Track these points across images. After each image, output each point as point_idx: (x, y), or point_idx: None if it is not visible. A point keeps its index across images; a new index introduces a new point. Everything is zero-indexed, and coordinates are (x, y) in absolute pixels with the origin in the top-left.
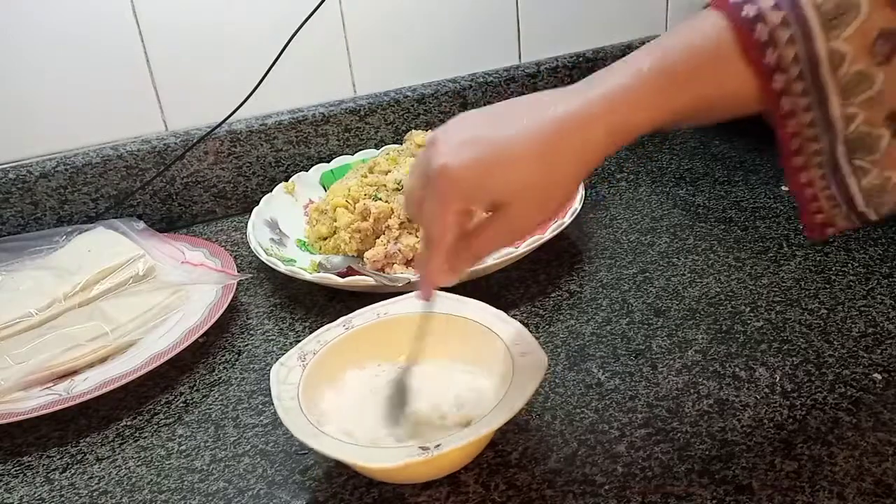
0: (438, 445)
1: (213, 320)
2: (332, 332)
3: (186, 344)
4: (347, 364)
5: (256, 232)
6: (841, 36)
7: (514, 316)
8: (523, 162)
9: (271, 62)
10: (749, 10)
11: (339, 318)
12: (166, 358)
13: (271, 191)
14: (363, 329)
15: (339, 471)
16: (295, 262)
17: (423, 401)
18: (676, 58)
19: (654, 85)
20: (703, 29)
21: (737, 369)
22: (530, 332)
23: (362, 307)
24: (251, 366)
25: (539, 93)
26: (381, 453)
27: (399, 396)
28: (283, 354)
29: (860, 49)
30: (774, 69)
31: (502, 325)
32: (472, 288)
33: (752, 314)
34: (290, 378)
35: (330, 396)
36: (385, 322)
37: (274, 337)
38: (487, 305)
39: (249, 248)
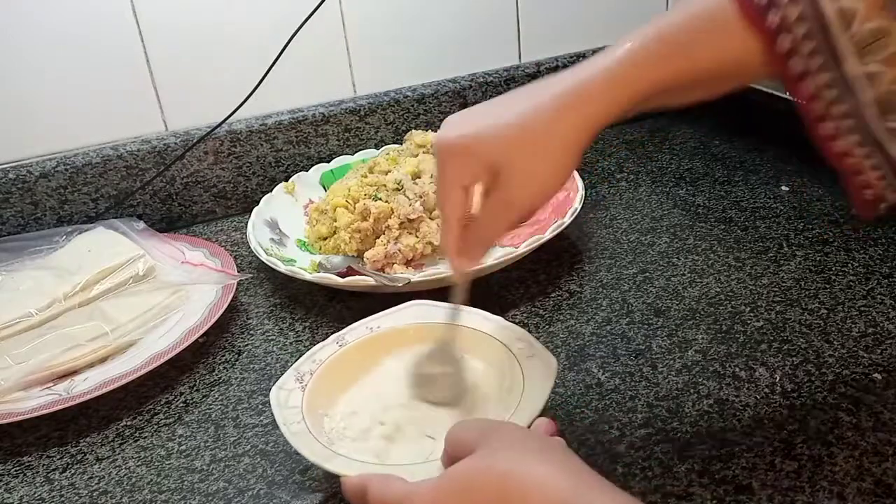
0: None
1: (213, 320)
2: (326, 351)
3: (186, 344)
4: (347, 382)
5: (256, 232)
6: None
7: (514, 316)
8: (515, 121)
9: (271, 62)
10: None
11: (338, 318)
12: (166, 358)
13: (271, 191)
14: (357, 345)
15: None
16: (295, 262)
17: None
18: (677, 26)
19: (655, 50)
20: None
21: (737, 369)
22: (530, 332)
23: (362, 307)
24: (251, 366)
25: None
26: (400, 471)
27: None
28: (283, 354)
29: (872, 5)
30: (779, 30)
31: (504, 332)
32: (473, 288)
33: (752, 314)
34: (290, 401)
35: (335, 413)
36: (378, 336)
37: (274, 337)
38: (487, 313)
39: (249, 248)
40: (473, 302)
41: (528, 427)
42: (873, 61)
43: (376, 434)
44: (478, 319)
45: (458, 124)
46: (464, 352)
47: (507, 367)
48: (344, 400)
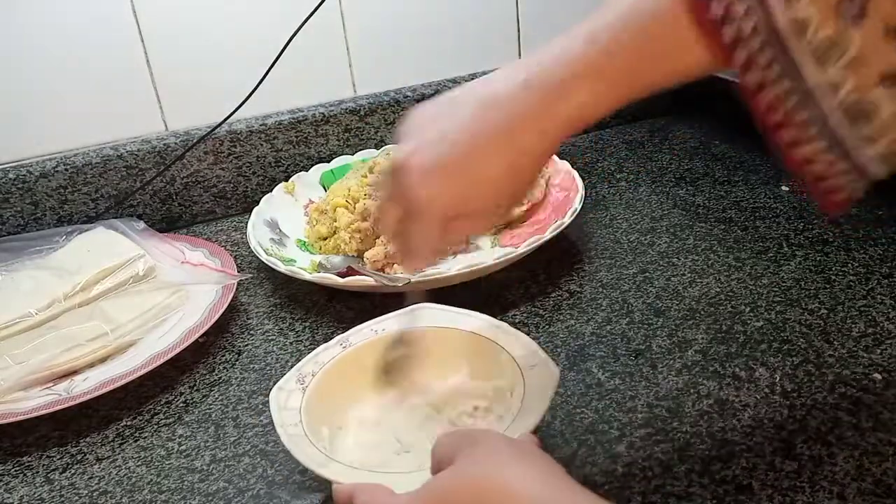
0: None
1: (213, 320)
2: (329, 352)
3: (186, 344)
4: (349, 385)
5: (256, 232)
6: (801, 1)
7: (514, 316)
8: (493, 178)
9: (271, 62)
10: None
11: (338, 318)
12: (166, 358)
13: (271, 191)
14: (362, 347)
15: None
16: (295, 262)
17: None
18: (626, 43)
19: (605, 75)
20: (651, 9)
21: (737, 369)
22: (530, 332)
23: (362, 307)
24: (251, 366)
25: (484, 81)
26: (394, 480)
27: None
28: (283, 354)
29: (825, 11)
30: (733, 43)
31: (507, 337)
32: (473, 288)
33: (752, 314)
34: (290, 403)
35: (334, 416)
36: (383, 339)
37: (274, 337)
38: (490, 317)
39: (249, 248)
40: (475, 303)
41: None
42: (833, 68)
43: (387, 449)
44: (478, 323)
45: (432, 179)
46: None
47: (509, 374)
48: (346, 403)
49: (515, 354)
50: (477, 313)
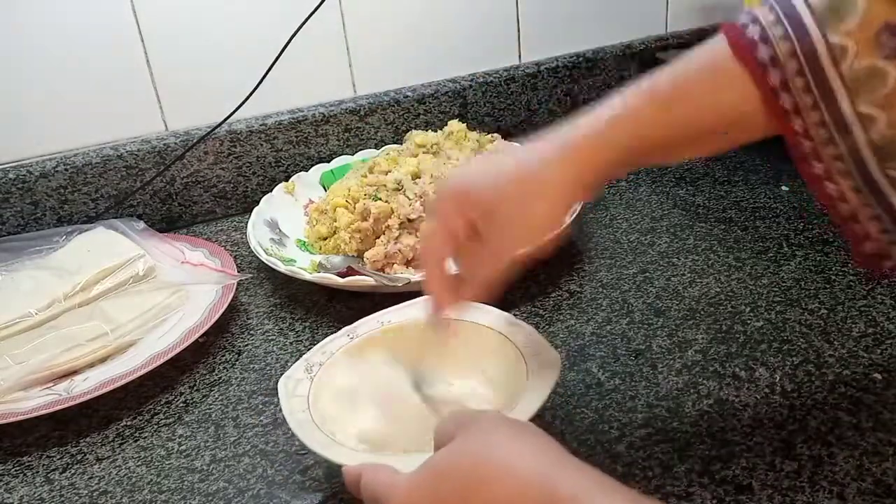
0: None
1: (213, 320)
2: (336, 343)
3: (186, 344)
4: (356, 373)
5: (256, 232)
6: (840, 30)
7: (514, 316)
8: (510, 170)
9: (271, 62)
10: (743, 18)
11: (338, 318)
12: (166, 358)
13: (271, 191)
14: (368, 338)
15: (339, 471)
16: (295, 262)
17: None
18: (671, 79)
19: (647, 108)
20: (701, 48)
21: (737, 369)
22: None
23: (362, 307)
24: (251, 366)
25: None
26: (399, 460)
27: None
28: (283, 354)
29: (864, 43)
30: (769, 64)
31: (511, 328)
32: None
33: (752, 314)
34: (298, 390)
35: (341, 405)
36: (389, 330)
37: (274, 337)
38: (494, 308)
39: (249, 248)
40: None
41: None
42: (866, 102)
43: (391, 437)
44: (480, 314)
45: (458, 175)
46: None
47: (513, 363)
48: (354, 390)
49: (519, 343)
50: (482, 305)
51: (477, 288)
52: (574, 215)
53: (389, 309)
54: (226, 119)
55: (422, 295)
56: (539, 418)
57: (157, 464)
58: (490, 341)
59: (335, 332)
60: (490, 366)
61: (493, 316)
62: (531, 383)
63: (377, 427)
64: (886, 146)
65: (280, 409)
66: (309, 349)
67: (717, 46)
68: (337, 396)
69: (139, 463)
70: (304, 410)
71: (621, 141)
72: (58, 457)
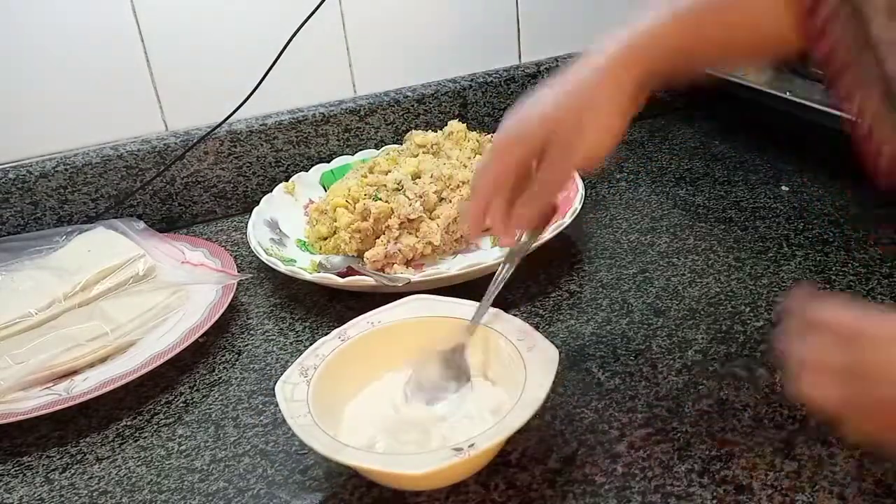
0: (472, 445)
1: (213, 320)
2: (328, 345)
3: (186, 344)
4: (351, 374)
5: (256, 232)
6: None
7: (514, 316)
8: (560, 95)
9: (271, 62)
10: None
11: (338, 318)
12: (166, 358)
13: (271, 191)
14: (360, 339)
15: (339, 470)
16: (295, 262)
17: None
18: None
19: (676, 19)
20: None
21: (737, 369)
22: None
23: (362, 307)
24: (251, 366)
25: None
26: (411, 459)
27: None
28: (283, 354)
29: None
30: None
31: (503, 324)
32: (473, 288)
33: (752, 314)
34: (296, 395)
35: (340, 407)
36: (380, 330)
37: (274, 337)
38: (493, 308)
39: (249, 248)
40: (474, 299)
41: (535, 418)
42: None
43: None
44: (465, 310)
45: (516, 112)
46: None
47: (507, 358)
48: (351, 391)
49: (514, 340)
50: (471, 301)
51: (545, 198)
52: (574, 214)
53: (380, 309)
54: (226, 119)
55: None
56: (538, 417)
57: (157, 464)
58: (482, 338)
59: (347, 322)
60: (486, 362)
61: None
62: (531, 375)
63: (379, 427)
64: None
65: (280, 410)
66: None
67: None
68: (335, 399)
69: (139, 463)
70: (306, 415)
71: (668, 44)
72: (58, 457)
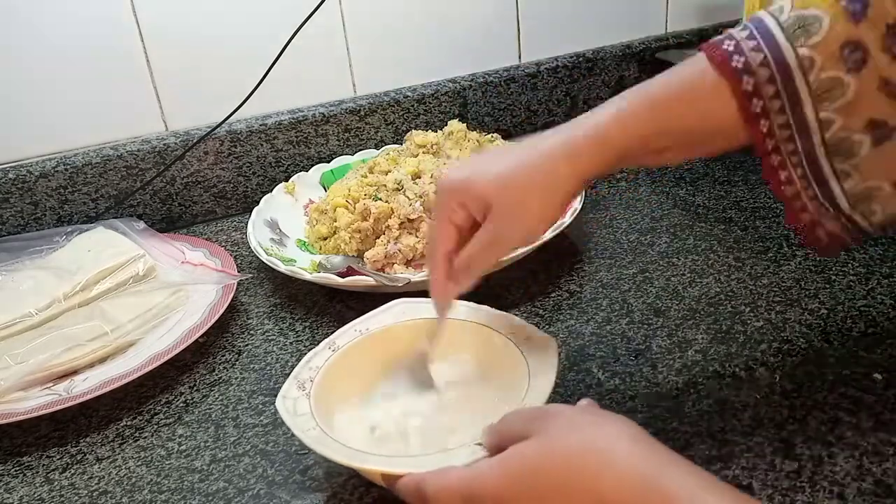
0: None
1: (213, 320)
2: (320, 357)
3: (186, 344)
4: (345, 384)
5: (256, 232)
6: (807, 44)
7: (505, 312)
8: (509, 165)
9: (271, 62)
10: (721, 38)
11: (338, 318)
12: (166, 358)
13: (271, 191)
14: (350, 348)
15: (338, 470)
16: (295, 262)
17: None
18: (659, 87)
19: (640, 110)
20: (685, 62)
21: (737, 369)
22: None
23: (362, 307)
24: (251, 366)
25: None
26: (441, 458)
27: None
28: (283, 354)
29: (828, 57)
30: (743, 71)
31: (499, 320)
32: (473, 288)
33: (752, 314)
34: (299, 408)
35: (345, 417)
36: (369, 338)
37: (274, 337)
38: (479, 305)
39: (249, 248)
40: (473, 300)
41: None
42: (827, 109)
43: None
44: (467, 310)
45: (459, 169)
46: (451, 353)
47: (504, 354)
48: (351, 400)
49: (508, 333)
50: (460, 301)
51: (472, 278)
52: (574, 214)
53: (366, 316)
54: (226, 119)
55: (418, 297)
56: None
57: (157, 464)
58: (477, 335)
59: (335, 332)
60: (481, 359)
61: (470, 309)
62: (533, 368)
63: (381, 433)
64: (836, 145)
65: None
66: (309, 349)
67: (699, 60)
68: (330, 410)
69: (139, 463)
70: (314, 428)
71: (619, 140)
72: (58, 457)
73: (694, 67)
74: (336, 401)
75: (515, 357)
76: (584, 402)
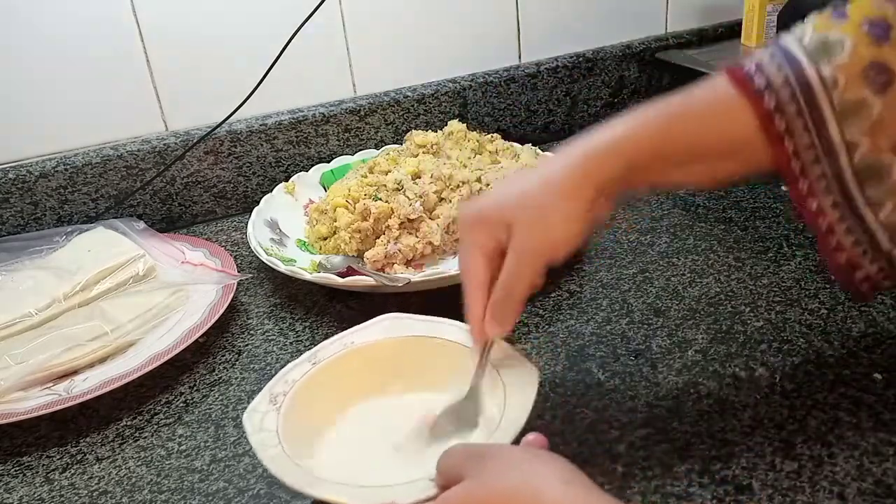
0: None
1: (213, 320)
2: (299, 370)
3: (186, 344)
4: (325, 400)
5: (256, 232)
6: (830, 63)
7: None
8: (528, 186)
9: (271, 62)
10: (741, 61)
11: (338, 318)
12: (166, 358)
13: (271, 191)
14: (332, 362)
15: None
16: (295, 262)
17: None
18: (677, 104)
19: (655, 123)
20: (704, 82)
21: (737, 369)
22: (530, 332)
23: (362, 307)
24: (251, 366)
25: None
26: (385, 493)
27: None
28: (283, 354)
29: (852, 77)
30: (764, 90)
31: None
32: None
33: (752, 314)
34: (265, 424)
35: (312, 436)
36: (353, 352)
37: (274, 337)
38: (459, 323)
39: (249, 248)
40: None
41: (516, 442)
42: (852, 130)
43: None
44: (453, 330)
45: (477, 200)
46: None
47: (488, 380)
48: (323, 418)
49: (493, 358)
50: (449, 320)
51: (516, 303)
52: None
53: (351, 330)
54: (226, 119)
55: (418, 296)
56: (538, 418)
57: (157, 464)
58: (460, 358)
59: (335, 332)
60: (461, 383)
61: (458, 330)
62: (510, 399)
63: (350, 458)
64: (866, 169)
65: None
66: (309, 349)
67: (718, 79)
68: (311, 426)
69: (139, 463)
70: (276, 445)
71: (629, 147)
72: (57, 457)
73: (714, 84)
74: (319, 417)
75: (497, 387)
76: (530, 436)
